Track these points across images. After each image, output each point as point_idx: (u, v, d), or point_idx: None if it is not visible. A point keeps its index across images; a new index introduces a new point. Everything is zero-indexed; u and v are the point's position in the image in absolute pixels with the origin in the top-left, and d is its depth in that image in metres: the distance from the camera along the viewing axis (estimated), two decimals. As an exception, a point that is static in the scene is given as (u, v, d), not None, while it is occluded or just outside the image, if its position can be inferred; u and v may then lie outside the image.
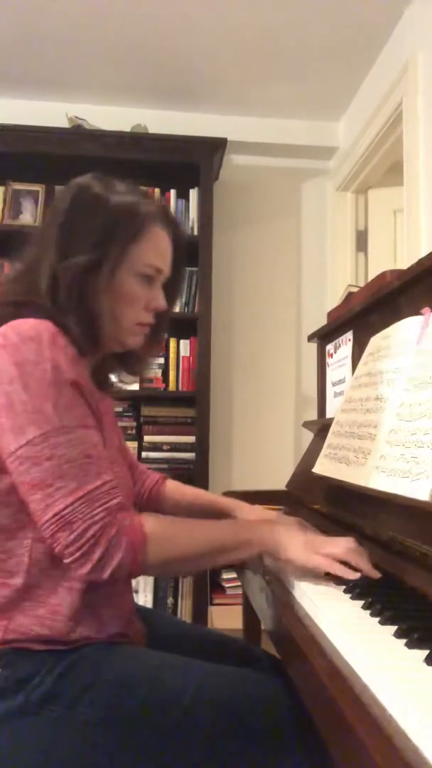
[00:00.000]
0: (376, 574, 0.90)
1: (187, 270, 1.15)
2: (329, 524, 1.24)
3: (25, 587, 0.88)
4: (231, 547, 0.93)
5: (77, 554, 0.82)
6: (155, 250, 1.01)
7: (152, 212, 1.01)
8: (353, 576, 0.88)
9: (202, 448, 2.52)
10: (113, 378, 1.14)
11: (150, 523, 0.87)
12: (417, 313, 1.12)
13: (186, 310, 2.66)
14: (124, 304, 0.99)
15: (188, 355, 2.65)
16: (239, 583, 1.99)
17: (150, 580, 2.53)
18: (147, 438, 2.61)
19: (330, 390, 1.77)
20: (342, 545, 0.92)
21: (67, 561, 0.83)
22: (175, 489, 1.31)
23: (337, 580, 0.90)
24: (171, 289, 1.09)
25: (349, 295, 1.76)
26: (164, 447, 2.60)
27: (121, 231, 0.97)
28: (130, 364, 1.13)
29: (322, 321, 1.95)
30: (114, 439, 1.08)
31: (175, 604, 2.54)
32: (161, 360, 2.65)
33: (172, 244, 1.05)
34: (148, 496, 1.28)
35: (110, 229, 0.96)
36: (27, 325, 0.88)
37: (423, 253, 1.57)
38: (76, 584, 0.89)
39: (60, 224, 0.97)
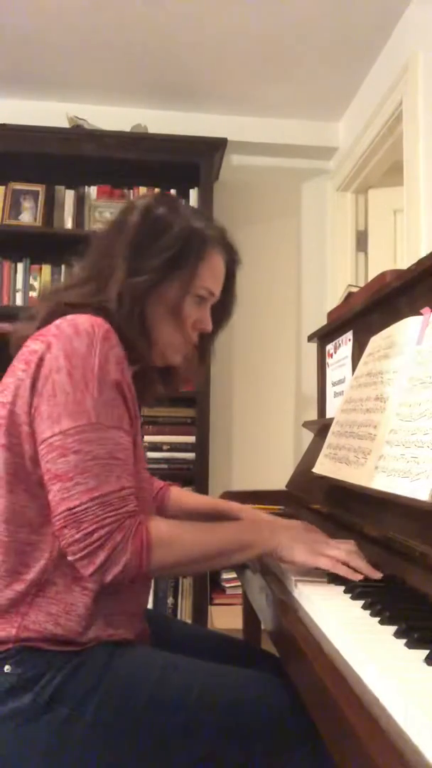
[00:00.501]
0: (377, 574, 0.91)
1: (236, 296, 1.19)
2: (329, 524, 1.24)
3: (40, 583, 0.88)
4: (233, 550, 0.94)
5: (80, 554, 0.83)
6: (212, 274, 1.07)
7: (215, 237, 1.07)
8: (357, 577, 0.89)
9: (202, 448, 2.52)
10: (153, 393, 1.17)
11: (155, 527, 0.88)
12: (417, 313, 1.12)
13: (186, 310, 2.66)
14: (175, 321, 1.04)
15: (188, 355, 2.65)
16: (239, 583, 1.99)
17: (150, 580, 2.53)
18: (147, 438, 2.61)
19: (330, 390, 1.77)
20: (343, 547, 0.94)
21: (70, 558, 0.84)
22: (179, 496, 1.32)
23: (337, 580, 0.90)
24: (218, 312, 1.13)
25: (349, 295, 1.76)
26: (164, 447, 2.60)
27: (189, 254, 1.02)
28: (169, 379, 1.16)
29: (322, 321, 1.95)
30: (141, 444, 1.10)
31: (175, 604, 2.54)
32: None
33: (226, 268, 1.10)
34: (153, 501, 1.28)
35: (179, 252, 1.01)
36: (82, 318, 0.91)
37: (423, 253, 1.57)
38: (90, 584, 0.89)
39: (130, 241, 1.00)
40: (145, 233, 1.01)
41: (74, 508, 0.83)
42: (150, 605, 2.48)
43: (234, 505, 1.28)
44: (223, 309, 1.15)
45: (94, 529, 0.82)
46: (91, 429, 0.86)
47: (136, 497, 0.89)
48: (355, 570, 0.90)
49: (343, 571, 0.89)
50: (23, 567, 0.89)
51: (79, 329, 0.89)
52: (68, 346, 0.88)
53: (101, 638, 0.90)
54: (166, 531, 0.90)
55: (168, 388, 1.17)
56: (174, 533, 0.91)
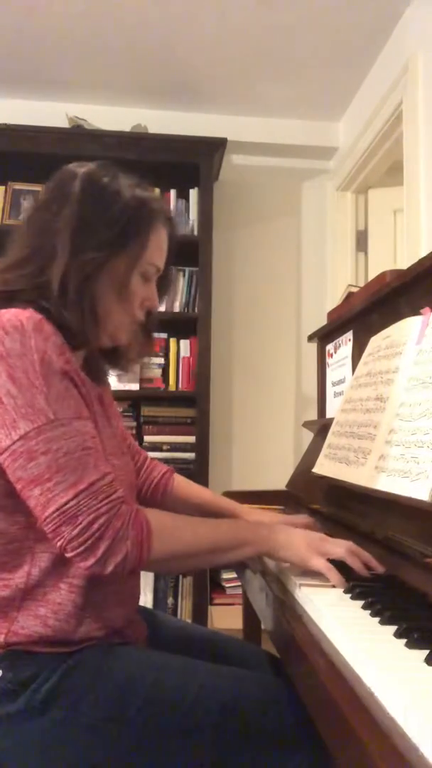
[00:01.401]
0: (379, 568, 0.91)
1: (174, 269, 1.14)
2: (329, 524, 1.24)
3: (26, 587, 0.88)
4: (231, 547, 0.94)
5: (81, 548, 0.81)
6: (159, 248, 1.01)
7: (159, 210, 1.00)
8: (363, 572, 0.90)
9: (202, 448, 2.52)
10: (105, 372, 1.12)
11: (155, 517, 0.87)
12: (417, 313, 1.12)
13: (186, 310, 2.66)
14: (122, 300, 0.98)
15: (188, 355, 2.65)
16: (239, 583, 1.99)
17: (150, 580, 2.53)
18: (147, 438, 2.61)
19: (330, 390, 1.77)
20: (342, 545, 0.93)
21: (69, 555, 0.82)
22: (182, 486, 1.28)
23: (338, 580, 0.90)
24: (161, 287, 1.08)
25: (349, 295, 1.76)
26: (164, 447, 2.60)
27: (136, 229, 0.95)
28: (117, 359, 1.11)
29: (322, 321, 1.95)
30: (117, 428, 1.07)
31: (175, 604, 2.54)
32: (161, 360, 2.66)
33: (168, 241, 1.05)
34: (154, 488, 1.25)
35: (126, 227, 0.94)
36: (8, 315, 0.85)
37: (423, 253, 1.57)
38: (77, 581, 0.89)
39: (73, 215, 0.93)
40: (90, 205, 0.93)
41: (64, 505, 0.80)
42: (150, 605, 2.49)
43: (236, 506, 1.27)
44: (165, 283, 1.09)
45: (92, 519, 0.80)
46: (52, 427, 0.82)
47: (119, 483, 0.87)
48: (355, 569, 0.91)
49: (334, 579, 0.88)
50: (6, 573, 0.88)
51: (7, 328, 0.83)
52: (0, 348, 0.83)
53: (93, 634, 0.90)
54: (165, 521, 0.89)
55: (117, 368, 1.12)
56: (172, 524, 0.90)
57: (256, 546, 0.95)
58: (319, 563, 0.91)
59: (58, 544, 0.82)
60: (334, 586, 0.89)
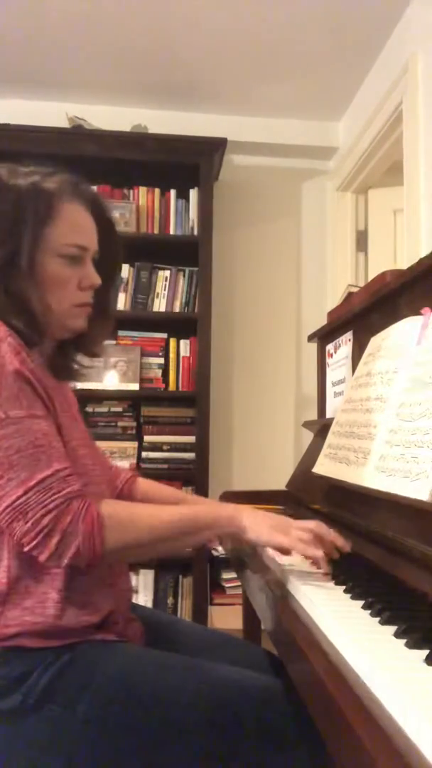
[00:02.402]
0: (346, 546, 0.94)
1: (120, 240, 1.10)
2: (329, 524, 1.24)
3: (9, 580, 0.88)
4: (194, 529, 0.94)
5: (33, 543, 0.82)
6: (72, 228, 0.98)
7: (58, 189, 0.97)
8: (318, 554, 0.92)
9: (202, 448, 2.52)
10: (78, 365, 1.11)
11: (107, 508, 0.87)
12: (417, 313, 1.12)
13: (186, 310, 2.66)
14: (54, 288, 0.97)
15: (188, 355, 2.65)
16: (239, 583, 1.99)
17: (150, 580, 2.53)
18: (147, 438, 2.61)
19: (330, 390, 1.77)
20: (310, 526, 0.95)
21: (26, 550, 0.84)
22: (143, 489, 1.27)
23: (337, 580, 0.90)
24: (107, 264, 1.05)
25: (349, 295, 1.76)
26: (164, 447, 2.60)
27: (28, 215, 0.93)
28: (85, 346, 1.10)
29: (322, 321, 1.95)
30: (80, 427, 1.07)
31: (175, 604, 2.54)
32: (161, 360, 2.66)
33: (94, 217, 1.02)
34: (119, 494, 1.24)
35: (17, 216, 0.93)
36: None
37: (423, 253, 1.57)
38: (56, 569, 0.89)
39: None
40: None
41: (14, 502, 0.82)
42: (150, 605, 2.49)
43: (201, 499, 1.26)
44: (110, 258, 1.07)
45: (41, 515, 0.82)
46: (3, 425, 0.84)
47: (77, 478, 0.88)
48: (325, 550, 0.94)
49: (309, 552, 0.91)
50: None
51: None
52: None
53: (83, 621, 0.90)
54: (119, 511, 0.90)
55: (89, 354, 1.11)
56: (127, 513, 0.91)
57: (219, 527, 0.96)
58: (285, 539, 0.92)
59: (15, 539, 0.84)
60: (319, 569, 0.92)
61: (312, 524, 0.96)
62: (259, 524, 0.95)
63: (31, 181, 0.96)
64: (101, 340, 1.12)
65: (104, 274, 1.04)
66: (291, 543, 0.92)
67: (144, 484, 1.28)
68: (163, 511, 0.94)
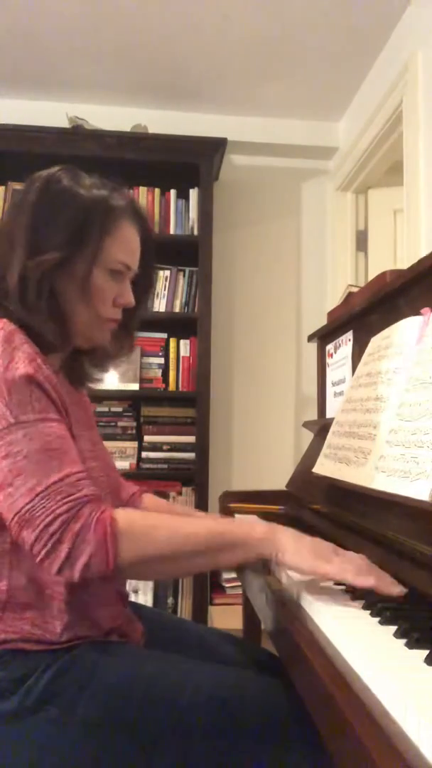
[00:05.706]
0: (400, 590, 0.80)
1: (156, 268, 1.13)
2: (329, 524, 1.24)
3: (10, 590, 0.88)
4: (223, 545, 0.85)
5: (43, 552, 0.78)
6: (125, 246, 1.00)
7: (123, 207, 0.99)
8: (370, 583, 0.79)
9: (202, 448, 2.52)
10: (91, 373, 1.12)
11: (123, 516, 0.82)
12: (417, 313, 1.12)
13: (186, 310, 2.66)
14: (94, 299, 0.98)
15: (188, 355, 2.65)
16: (239, 583, 1.99)
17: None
18: (147, 438, 2.61)
19: (330, 390, 1.77)
20: (355, 562, 0.83)
21: (37, 561, 0.80)
22: (152, 504, 1.24)
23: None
24: (141, 287, 1.07)
25: (349, 295, 1.76)
26: (164, 447, 2.60)
27: (93, 226, 0.95)
28: (98, 359, 1.11)
29: (322, 321, 1.95)
30: (93, 436, 1.07)
31: (176, 604, 2.54)
32: (161, 360, 2.66)
33: (141, 240, 1.04)
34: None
35: (82, 225, 0.95)
36: None
37: (423, 253, 1.57)
38: (58, 588, 0.88)
39: (28, 219, 0.94)
40: (44, 209, 0.95)
41: (22, 509, 0.79)
42: (149, 605, 2.49)
43: (214, 517, 1.21)
44: (145, 282, 1.09)
45: (49, 521, 0.78)
46: (12, 430, 0.81)
47: (90, 482, 0.84)
48: (379, 588, 0.80)
49: (359, 582, 0.80)
50: None
51: None
52: None
53: (81, 634, 0.90)
54: (136, 520, 0.84)
55: (98, 368, 1.12)
56: (145, 523, 0.85)
57: (253, 548, 0.86)
58: (332, 570, 0.82)
59: (25, 549, 0.81)
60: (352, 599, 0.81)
61: (356, 557, 0.86)
62: (300, 549, 0.84)
63: (101, 194, 0.98)
64: (117, 357, 1.13)
65: (136, 297, 1.05)
66: (338, 573, 0.81)
67: (151, 501, 1.25)
68: (187, 522, 0.87)
